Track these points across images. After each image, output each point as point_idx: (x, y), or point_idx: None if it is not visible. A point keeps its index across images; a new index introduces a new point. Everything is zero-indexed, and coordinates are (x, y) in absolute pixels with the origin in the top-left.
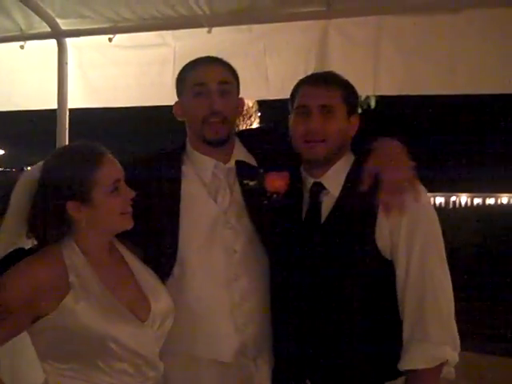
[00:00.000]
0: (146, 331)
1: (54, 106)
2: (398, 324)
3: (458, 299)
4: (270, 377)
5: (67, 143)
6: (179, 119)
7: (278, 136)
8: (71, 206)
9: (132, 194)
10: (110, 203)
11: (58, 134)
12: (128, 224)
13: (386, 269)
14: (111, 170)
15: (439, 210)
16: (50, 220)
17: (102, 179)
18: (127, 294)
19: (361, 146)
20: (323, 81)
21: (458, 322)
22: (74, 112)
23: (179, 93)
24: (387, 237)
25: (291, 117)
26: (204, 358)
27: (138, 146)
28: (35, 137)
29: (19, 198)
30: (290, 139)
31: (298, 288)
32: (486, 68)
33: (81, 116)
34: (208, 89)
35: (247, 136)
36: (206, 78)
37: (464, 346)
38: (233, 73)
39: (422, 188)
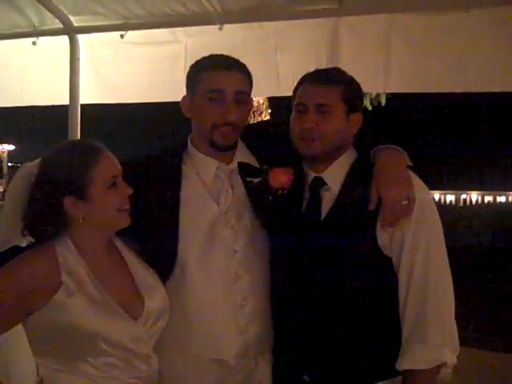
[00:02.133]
0: (139, 328)
1: (65, 101)
2: (396, 323)
3: (470, 297)
4: (270, 375)
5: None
6: (186, 115)
7: (279, 131)
8: (68, 203)
9: (130, 190)
10: (108, 199)
11: (70, 130)
12: (125, 221)
13: (386, 266)
14: (108, 166)
15: (450, 207)
16: (46, 216)
17: (99, 175)
18: (121, 291)
19: (363, 145)
20: (322, 79)
21: (469, 320)
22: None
23: (190, 88)
24: (388, 235)
25: (292, 113)
26: (205, 358)
27: (149, 142)
28: (46, 133)
29: (15, 193)
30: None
31: (298, 284)
32: (495, 66)
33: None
34: (225, 97)
35: (249, 133)
36: (223, 86)
37: (475, 344)
38: (249, 79)
39: (424, 187)
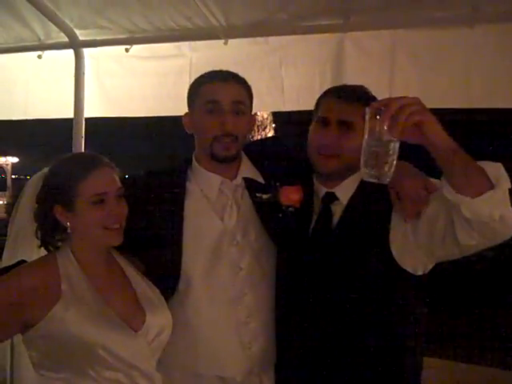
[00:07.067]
0: (139, 341)
1: (70, 115)
2: (409, 337)
3: (474, 312)
4: None
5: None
6: (188, 132)
7: (285, 146)
8: (57, 211)
9: (121, 210)
10: (91, 215)
11: (74, 143)
12: (113, 240)
13: (401, 279)
14: (97, 182)
15: None
16: (44, 222)
17: (85, 189)
18: (122, 303)
19: None
20: (348, 96)
21: (475, 336)
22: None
23: (191, 104)
24: (401, 241)
25: (312, 125)
26: (209, 375)
27: (152, 155)
28: (50, 146)
29: (28, 196)
30: (301, 148)
31: (307, 299)
32: (500, 82)
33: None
34: (221, 107)
35: (253, 149)
36: (220, 96)
37: (481, 361)
38: (247, 91)
39: None
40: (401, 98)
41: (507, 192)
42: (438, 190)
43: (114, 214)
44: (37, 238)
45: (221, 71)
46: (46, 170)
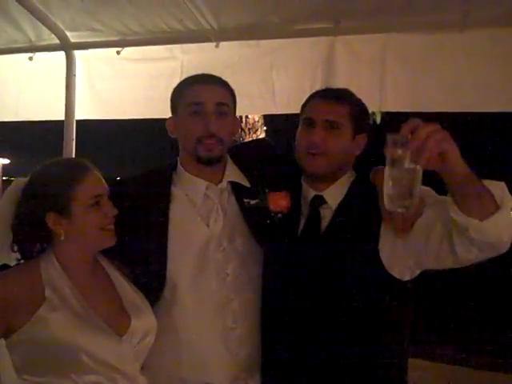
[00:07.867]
0: (124, 346)
1: (61, 117)
2: (395, 342)
3: (465, 317)
4: None
5: (73, 154)
6: (171, 136)
7: (273, 148)
8: (50, 218)
9: (114, 211)
10: (89, 218)
11: (64, 145)
12: (108, 241)
13: (390, 285)
14: (92, 185)
15: None
16: (29, 231)
17: (82, 193)
18: (106, 308)
19: (362, 165)
20: (333, 97)
21: (463, 337)
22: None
23: (174, 108)
24: (390, 248)
25: (299, 128)
26: (196, 381)
27: (143, 158)
28: (41, 147)
29: (4, 207)
30: (289, 150)
31: (293, 305)
32: (491, 86)
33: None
34: (204, 109)
35: (239, 151)
36: (203, 98)
37: (469, 363)
38: (231, 94)
39: None
40: (425, 125)
41: (510, 212)
42: (433, 201)
43: (110, 214)
44: (13, 251)
45: (204, 74)
46: (19, 180)
